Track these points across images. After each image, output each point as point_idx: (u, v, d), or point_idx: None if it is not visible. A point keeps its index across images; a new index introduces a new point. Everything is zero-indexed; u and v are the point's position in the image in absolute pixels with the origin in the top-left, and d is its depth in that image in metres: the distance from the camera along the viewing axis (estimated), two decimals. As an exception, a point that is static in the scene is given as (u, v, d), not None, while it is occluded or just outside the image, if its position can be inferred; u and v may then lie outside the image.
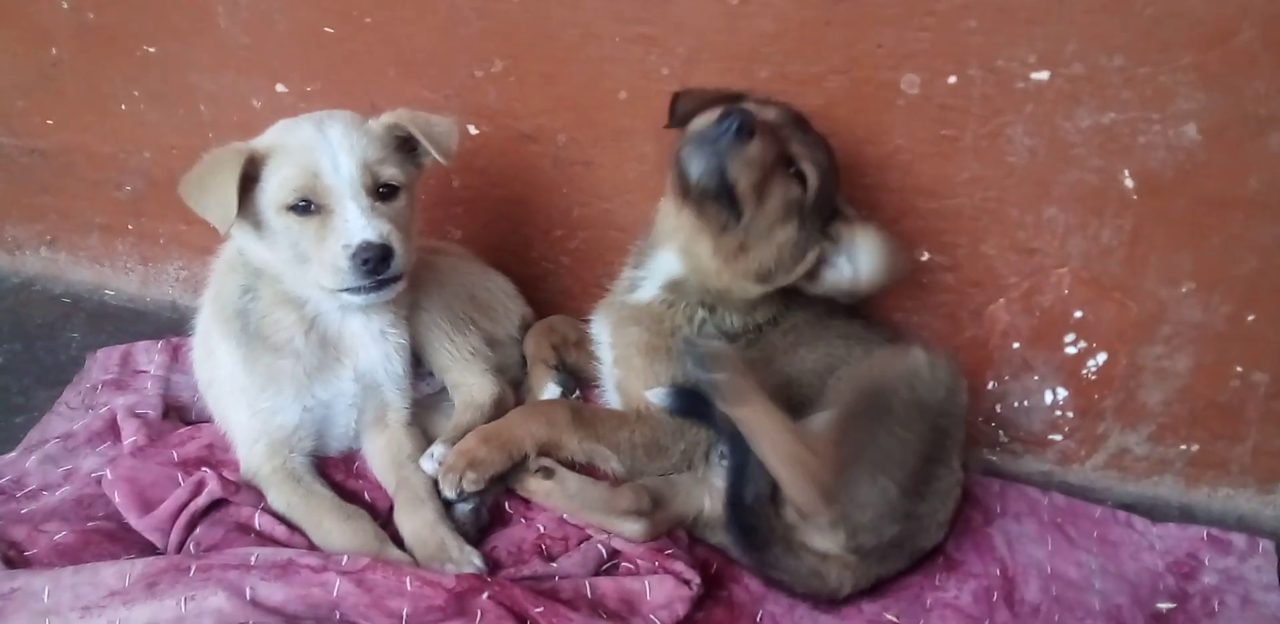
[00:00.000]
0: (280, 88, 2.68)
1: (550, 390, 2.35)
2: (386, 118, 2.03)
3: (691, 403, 2.02)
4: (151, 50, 2.74)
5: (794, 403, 2.02)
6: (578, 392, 2.41)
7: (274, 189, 1.90)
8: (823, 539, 1.96)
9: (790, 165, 1.97)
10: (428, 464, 2.08)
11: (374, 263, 1.87)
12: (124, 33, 2.73)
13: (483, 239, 2.68)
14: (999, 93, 2.14)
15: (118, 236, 3.05)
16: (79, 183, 3.00)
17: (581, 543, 2.03)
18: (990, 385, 2.44)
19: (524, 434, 2.07)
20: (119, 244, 3.06)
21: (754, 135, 1.89)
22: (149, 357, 2.59)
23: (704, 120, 1.94)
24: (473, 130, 2.56)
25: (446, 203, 2.68)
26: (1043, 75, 2.10)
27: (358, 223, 1.87)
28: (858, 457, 1.91)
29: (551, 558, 1.99)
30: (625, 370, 2.17)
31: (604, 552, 2.00)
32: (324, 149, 1.90)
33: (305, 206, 1.90)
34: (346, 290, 1.93)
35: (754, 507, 1.92)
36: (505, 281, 2.53)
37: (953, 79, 2.16)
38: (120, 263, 3.09)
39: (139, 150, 2.90)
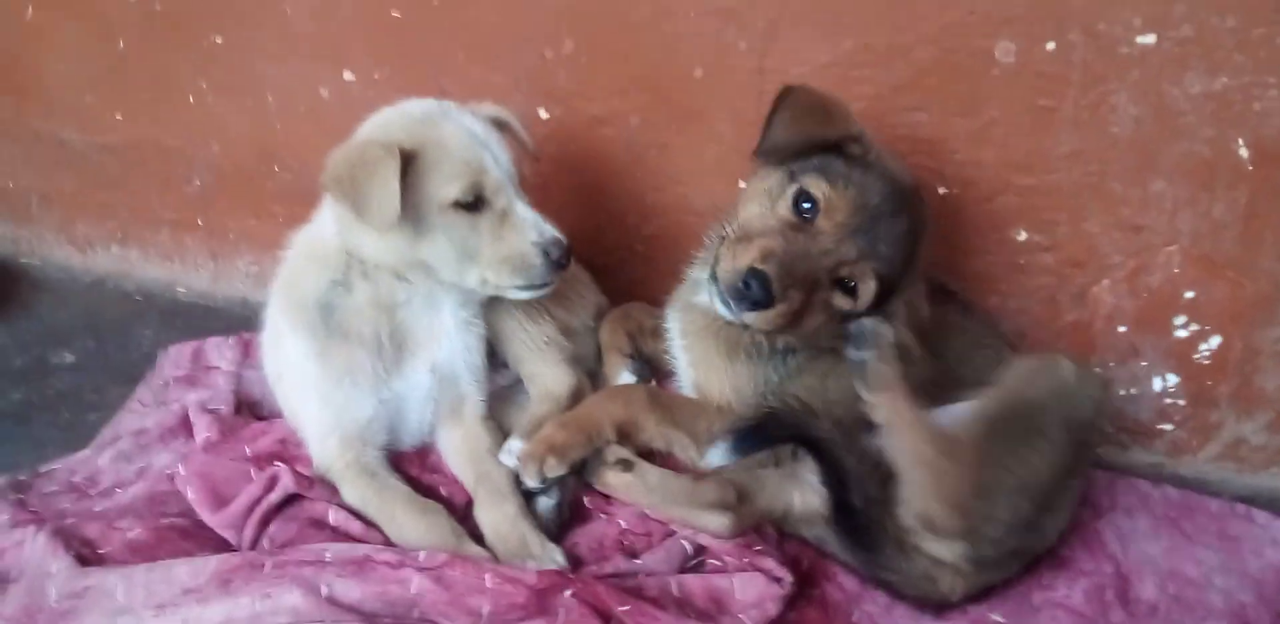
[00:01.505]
0: (348, 76, 2.64)
1: (625, 378, 2.28)
2: (489, 111, 2.02)
3: (756, 441, 1.88)
4: (218, 40, 2.72)
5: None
6: (653, 380, 2.33)
7: (439, 186, 1.87)
8: (941, 548, 1.84)
9: (842, 282, 1.88)
10: (507, 458, 2.03)
11: (565, 258, 1.93)
12: (190, 22, 2.71)
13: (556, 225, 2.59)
14: (1101, 59, 2.03)
15: (187, 232, 3.04)
16: (148, 178, 2.99)
17: (665, 539, 1.94)
18: (1093, 372, 2.30)
19: (602, 416, 2.02)
20: (189, 240, 3.05)
21: (773, 303, 1.81)
22: (220, 352, 2.56)
23: (727, 271, 1.85)
24: (543, 115, 2.50)
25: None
26: (1149, 39, 1.99)
27: (537, 221, 1.93)
28: (1002, 479, 1.80)
29: (635, 555, 1.91)
30: (704, 372, 2.09)
31: (689, 548, 1.91)
32: (481, 145, 1.91)
33: (473, 203, 1.89)
34: (526, 287, 1.97)
35: (864, 510, 1.81)
36: (580, 269, 2.44)
37: (1051, 45, 2.05)
38: (191, 259, 3.08)
39: (207, 143, 2.89)
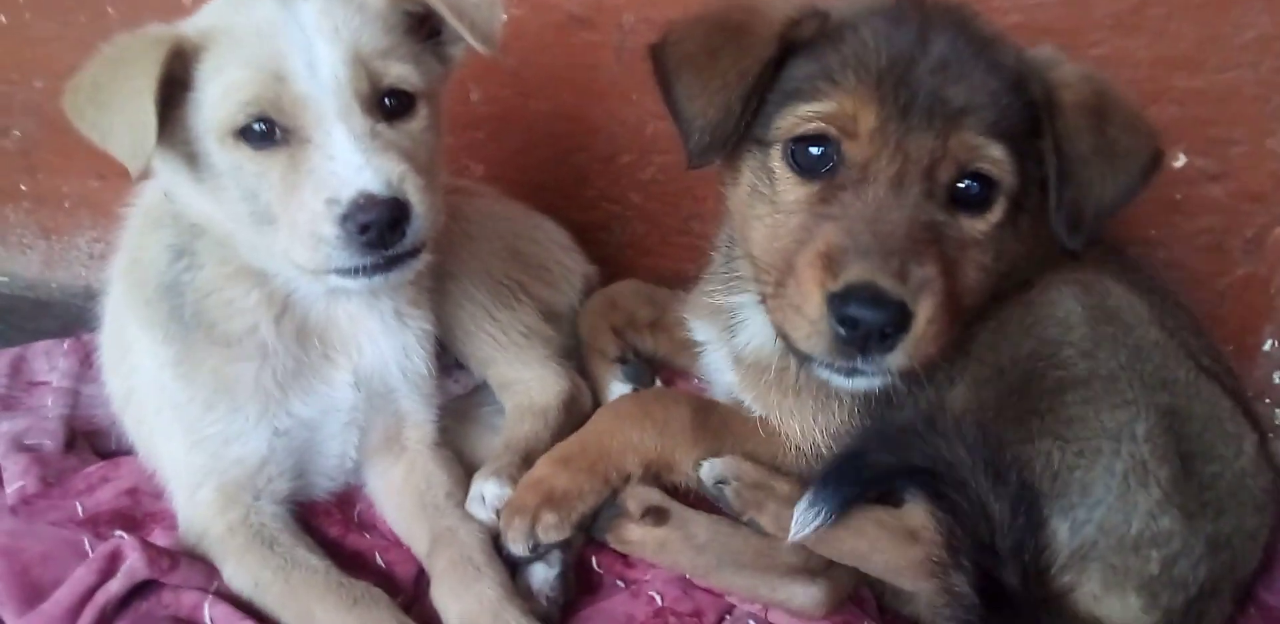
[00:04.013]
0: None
1: (617, 390, 1.86)
2: None
3: (855, 484, 1.34)
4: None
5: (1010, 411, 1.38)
6: (657, 382, 1.90)
7: (215, 102, 1.34)
8: (1110, 612, 1.35)
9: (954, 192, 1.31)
10: (478, 510, 1.57)
11: (379, 230, 1.29)
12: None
13: (516, 174, 2.16)
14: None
15: (8, 202, 2.58)
16: (-52, 129, 2.51)
17: (723, 620, 1.49)
18: (1268, 345, 1.91)
19: (623, 446, 1.54)
20: (10, 212, 2.58)
21: (909, 321, 1.22)
22: (50, 362, 2.11)
23: (807, 334, 1.27)
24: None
25: (462, 125, 2.13)
26: None
27: (350, 161, 1.31)
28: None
29: (681, 646, 1.46)
30: (774, 410, 1.54)
31: (761, 634, 1.49)
32: (293, 36, 1.34)
33: (265, 132, 1.34)
34: (336, 271, 1.37)
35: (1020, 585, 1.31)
36: (558, 230, 1.98)
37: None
38: (15, 237, 2.62)
39: (28, 79, 2.41)
